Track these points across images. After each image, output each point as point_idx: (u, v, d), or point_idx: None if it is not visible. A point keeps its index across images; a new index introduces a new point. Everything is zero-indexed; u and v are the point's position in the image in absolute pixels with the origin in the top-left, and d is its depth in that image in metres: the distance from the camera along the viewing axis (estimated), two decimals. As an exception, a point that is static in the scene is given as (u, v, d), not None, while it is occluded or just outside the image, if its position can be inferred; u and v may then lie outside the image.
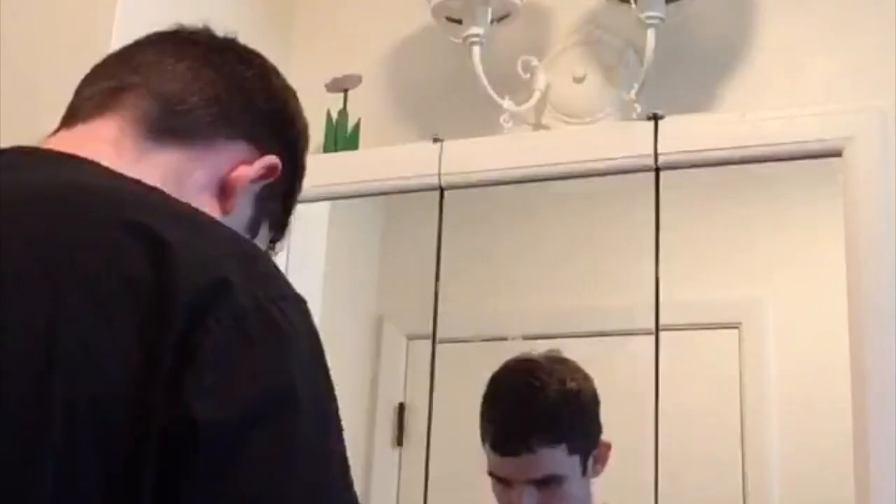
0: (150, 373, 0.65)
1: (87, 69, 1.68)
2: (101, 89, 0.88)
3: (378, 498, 1.91)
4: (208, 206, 0.84)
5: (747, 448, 1.69)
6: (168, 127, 0.85)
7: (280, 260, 1.87)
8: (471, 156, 1.83)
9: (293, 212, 0.98)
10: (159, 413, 0.64)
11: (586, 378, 1.71)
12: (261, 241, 0.92)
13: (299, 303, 0.74)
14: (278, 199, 0.93)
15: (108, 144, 0.82)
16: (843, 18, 1.78)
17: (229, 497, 0.64)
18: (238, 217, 0.87)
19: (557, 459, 1.65)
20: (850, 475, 1.49)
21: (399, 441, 1.89)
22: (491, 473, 1.66)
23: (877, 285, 1.54)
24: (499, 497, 1.66)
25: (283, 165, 0.90)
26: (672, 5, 1.75)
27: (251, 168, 0.87)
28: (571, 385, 1.71)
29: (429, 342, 1.81)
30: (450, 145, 1.84)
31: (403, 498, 1.87)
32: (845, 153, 1.61)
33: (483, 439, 1.69)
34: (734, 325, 1.77)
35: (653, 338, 1.67)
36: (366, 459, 1.92)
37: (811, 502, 1.64)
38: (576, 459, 1.65)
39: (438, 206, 1.84)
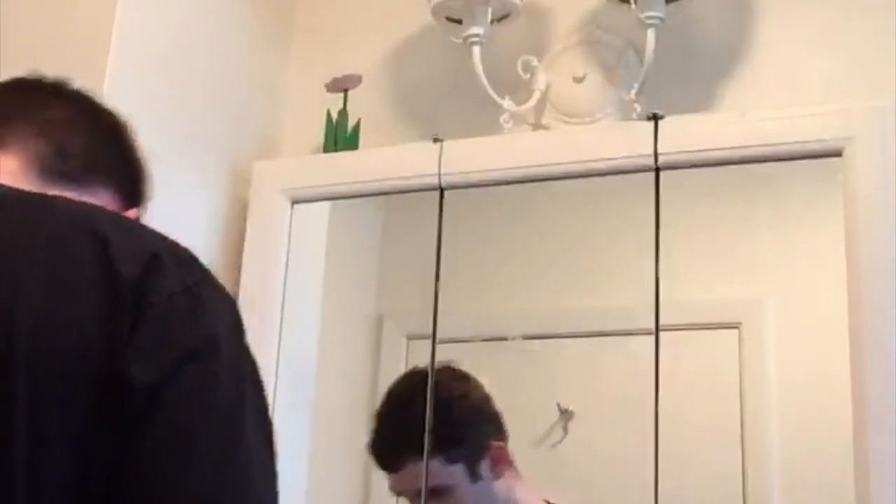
0: (107, 343, 0.74)
1: (87, 69, 1.68)
2: None
3: (378, 498, 1.91)
4: None
5: (747, 448, 1.69)
6: (57, 170, 0.92)
7: (280, 259, 1.88)
8: (471, 156, 1.82)
9: None
10: (111, 379, 0.73)
11: (473, 387, 1.74)
12: None
13: (222, 290, 0.84)
14: None
15: (12, 177, 0.89)
16: (842, 18, 1.78)
17: (154, 446, 0.74)
18: None
19: (434, 471, 1.68)
20: (851, 475, 1.49)
21: (399, 441, 1.89)
22: (390, 487, 1.71)
23: (877, 285, 1.54)
24: None
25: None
26: (672, 5, 1.75)
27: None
28: (442, 395, 1.74)
29: (429, 342, 1.81)
30: (450, 145, 1.84)
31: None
32: (845, 153, 1.61)
33: None
34: (734, 325, 1.77)
35: (653, 338, 1.67)
36: (366, 459, 1.92)
37: (811, 502, 1.64)
38: (459, 468, 1.68)
39: (438, 206, 1.84)
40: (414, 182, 1.85)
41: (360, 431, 1.94)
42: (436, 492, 1.67)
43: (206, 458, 0.75)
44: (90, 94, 1.04)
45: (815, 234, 1.74)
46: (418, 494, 1.67)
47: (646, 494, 1.61)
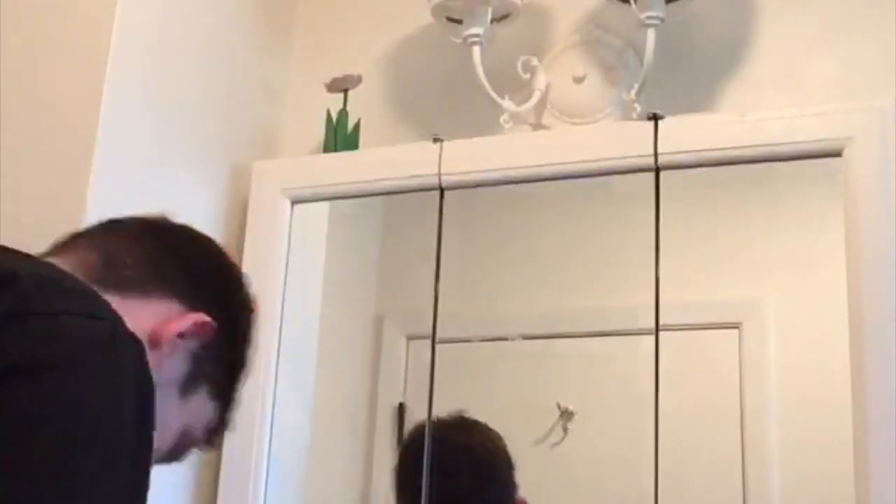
0: None
1: (87, 70, 1.69)
2: (65, 239, 1.00)
3: (378, 498, 1.91)
4: None
5: (747, 448, 1.69)
6: (103, 278, 0.92)
7: (280, 259, 1.88)
8: (471, 156, 1.82)
9: (238, 387, 1.04)
10: None
11: (497, 437, 1.74)
12: (198, 408, 0.98)
13: (103, 329, 0.79)
14: (220, 365, 0.99)
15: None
16: (843, 18, 1.78)
17: None
18: (170, 372, 0.94)
19: None
20: (851, 475, 1.49)
21: (399, 441, 1.89)
22: None
23: (877, 285, 1.54)
24: None
25: (220, 328, 0.96)
26: (672, 5, 1.75)
27: (178, 322, 0.94)
28: (485, 456, 1.75)
29: (429, 342, 1.81)
30: (450, 145, 1.84)
31: (403, 498, 1.87)
32: (845, 153, 1.61)
33: None
34: (734, 325, 1.77)
35: (653, 338, 1.67)
36: (366, 459, 1.92)
37: (811, 502, 1.64)
38: None
39: (438, 206, 1.84)
40: (414, 182, 1.85)
41: (360, 431, 1.94)
42: None
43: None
44: (189, 226, 1.06)
45: (815, 234, 1.74)
46: None
47: (646, 494, 1.61)
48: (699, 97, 1.81)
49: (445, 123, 1.90)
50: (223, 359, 0.99)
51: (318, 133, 1.97)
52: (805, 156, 1.64)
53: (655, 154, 1.70)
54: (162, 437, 0.92)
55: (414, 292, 1.93)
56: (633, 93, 1.75)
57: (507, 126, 1.83)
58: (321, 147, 1.97)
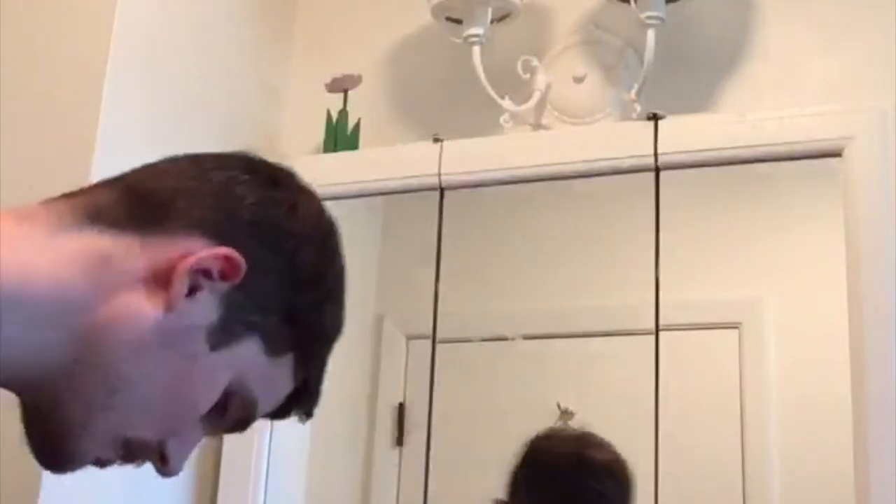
0: None
1: (87, 70, 1.68)
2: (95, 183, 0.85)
3: (378, 498, 1.91)
4: (139, 299, 0.77)
5: (747, 448, 1.69)
6: (110, 217, 0.79)
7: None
8: (471, 156, 1.83)
9: (309, 342, 0.89)
10: None
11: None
12: (248, 364, 0.82)
13: None
14: (272, 313, 0.83)
15: (22, 219, 0.78)
16: (843, 19, 1.78)
17: None
18: (191, 317, 0.78)
19: None
20: (851, 475, 1.49)
21: (399, 441, 1.89)
22: None
23: (877, 285, 1.54)
24: None
25: (263, 268, 0.81)
26: (672, 5, 1.75)
27: (192, 257, 0.77)
28: (631, 478, 1.72)
29: (429, 342, 1.81)
30: (450, 145, 1.84)
31: (403, 498, 1.87)
32: (845, 153, 1.61)
33: None
34: (734, 325, 1.77)
35: (653, 338, 1.67)
36: (366, 459, 1.92)
37: (811, 502, 1.64)
38: None
39: (438, 206, 1.85)
40: (414, 182, 1.85)
41: (360, 431, 1.94)
42: None
43: None
44: (271, 165, 0.92)
45: (815, 234, 1.74)
46: None
47: (646, 494, 1.61)
48: (699, 97, 1.81)
49: (445, 123, 1.90)
50: (276, 306, 0.83)
51: (318, 133, 1.97)
52: (805, 156, 1.65)
53: (655, 154, 1.70)
54: (189, 395, 0.80)
55: (414, 292, 1.93)
56: (633, 93, 1.75)
57: (507, 126, 1.84)
58: (321, 147, 1.97)
